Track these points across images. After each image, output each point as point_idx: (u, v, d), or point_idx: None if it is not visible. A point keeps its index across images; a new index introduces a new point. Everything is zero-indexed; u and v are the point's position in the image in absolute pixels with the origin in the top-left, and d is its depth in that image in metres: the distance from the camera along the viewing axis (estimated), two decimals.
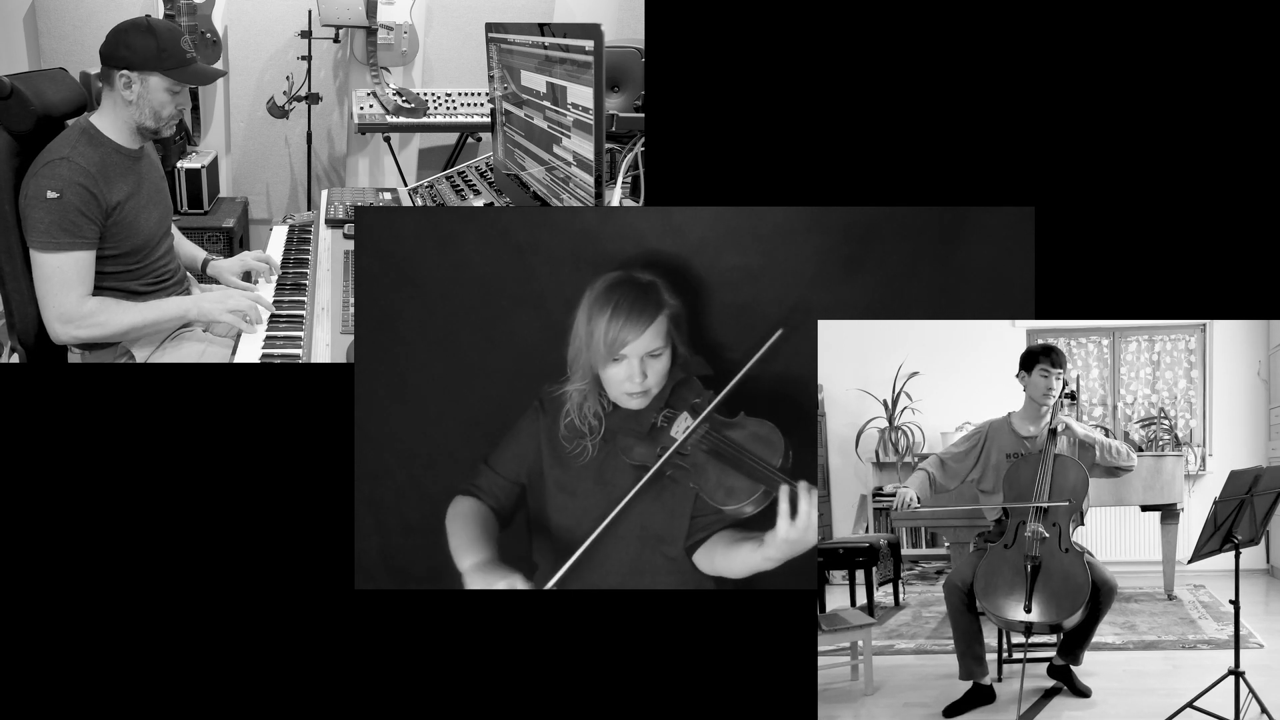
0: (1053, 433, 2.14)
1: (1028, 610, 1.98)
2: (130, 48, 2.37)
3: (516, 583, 1.53)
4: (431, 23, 4.69)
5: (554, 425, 1.62)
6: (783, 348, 1.68)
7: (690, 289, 1.67)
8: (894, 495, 3.27)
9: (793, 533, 1.42)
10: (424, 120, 4.27)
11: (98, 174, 2.33)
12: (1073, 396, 2.21)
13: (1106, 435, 2.29)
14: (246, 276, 2.81)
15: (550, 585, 1.51)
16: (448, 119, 4.30)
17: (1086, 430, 2.21)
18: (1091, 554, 2.10)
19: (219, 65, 3.97)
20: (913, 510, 2.27)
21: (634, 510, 1.54)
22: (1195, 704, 1.91)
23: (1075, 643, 2.11)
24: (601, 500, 1.58)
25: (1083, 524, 2.11)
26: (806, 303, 1.68)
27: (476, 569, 1.56)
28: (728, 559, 1.52)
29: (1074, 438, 2.17)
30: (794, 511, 1.42)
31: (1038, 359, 2.23)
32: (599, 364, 1.56)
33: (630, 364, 1.54)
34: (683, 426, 1.54)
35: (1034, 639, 2.13)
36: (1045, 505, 2.05)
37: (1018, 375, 2.26)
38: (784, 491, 1.43)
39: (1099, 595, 2.03)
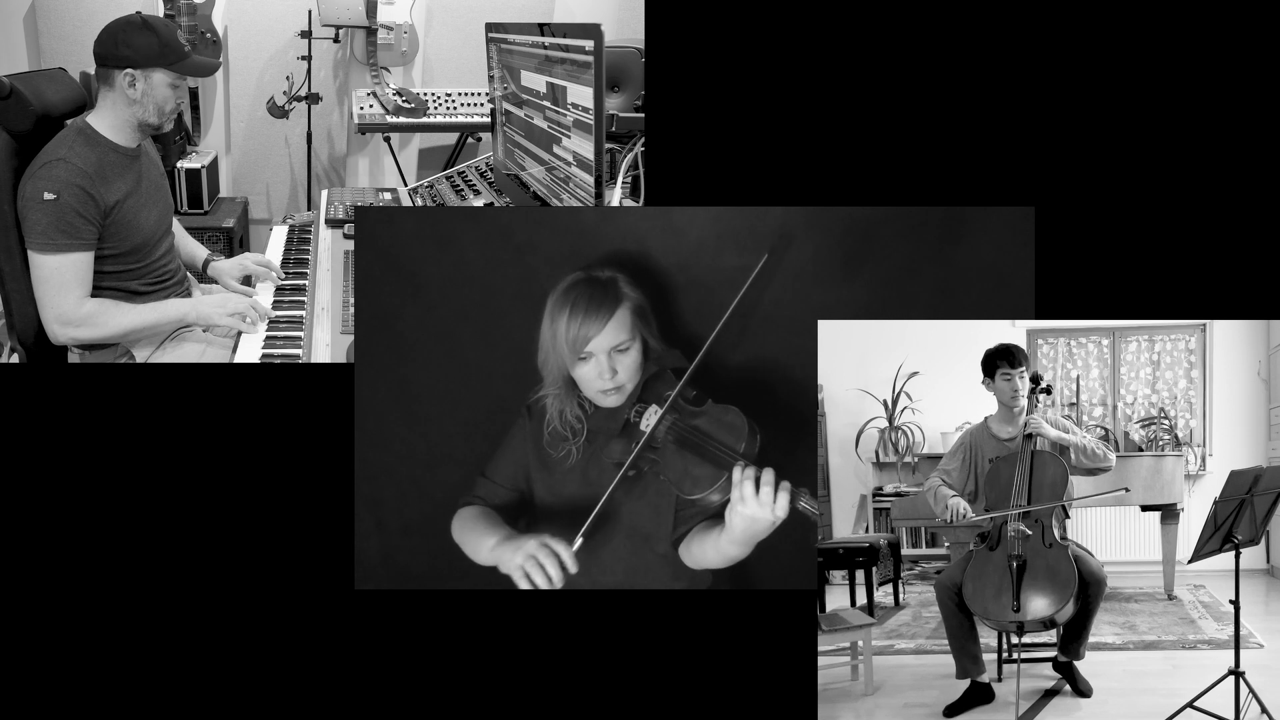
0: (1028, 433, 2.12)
1: (1016, 610, 1.98)
2: (131, 46, 2.37)
3: (547, 540, 1.47)
4: (431, 23, 4.69)
5: (539, 432, 1.61)
6: (781, 349, 1.69)
7: (656, 281, 1.65)
8: (894, 495, 3.28)
9: (746, 508, 1.37)
10: (424, 120, 4.26)
11: (95, 174, 2.33)
12: (1048, 390, 2.17)
13: (1105, 433, 2.27)
14: (246, 280, 2.80)
15: (577, 544, 1.46)
16: (448, 119, 4.29)
17: (1059, 434, 2.16)
18: (1087, 549, 2.09)
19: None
20: (968, 519, 2.23)
21: (619, 510, 1.53)
22: (1195, 704, 1.91)
23: (1073, 637, 2.10)
24: (588, 501, 1.57)
25: (1068, 516, 2.09)
26: (806, 303, 1.68)
27: (499, 545, 1.52)
28: (703, 548, 1.50)
29: (1048, 441, 2.14)
30: (743, 485, 1.37)
31: (996, 363, 2.18)
32: (568, 365, 1.54)
33: (598, 361, 1.52)
34: (652, 419, 1.52)
35: (1032, 638, 2.13)
36: (1023, 510, 2.03)
37: (983, 382, 2.23)
38: (739, 468, 1.39)
39: (1088, 587, 2.02)
